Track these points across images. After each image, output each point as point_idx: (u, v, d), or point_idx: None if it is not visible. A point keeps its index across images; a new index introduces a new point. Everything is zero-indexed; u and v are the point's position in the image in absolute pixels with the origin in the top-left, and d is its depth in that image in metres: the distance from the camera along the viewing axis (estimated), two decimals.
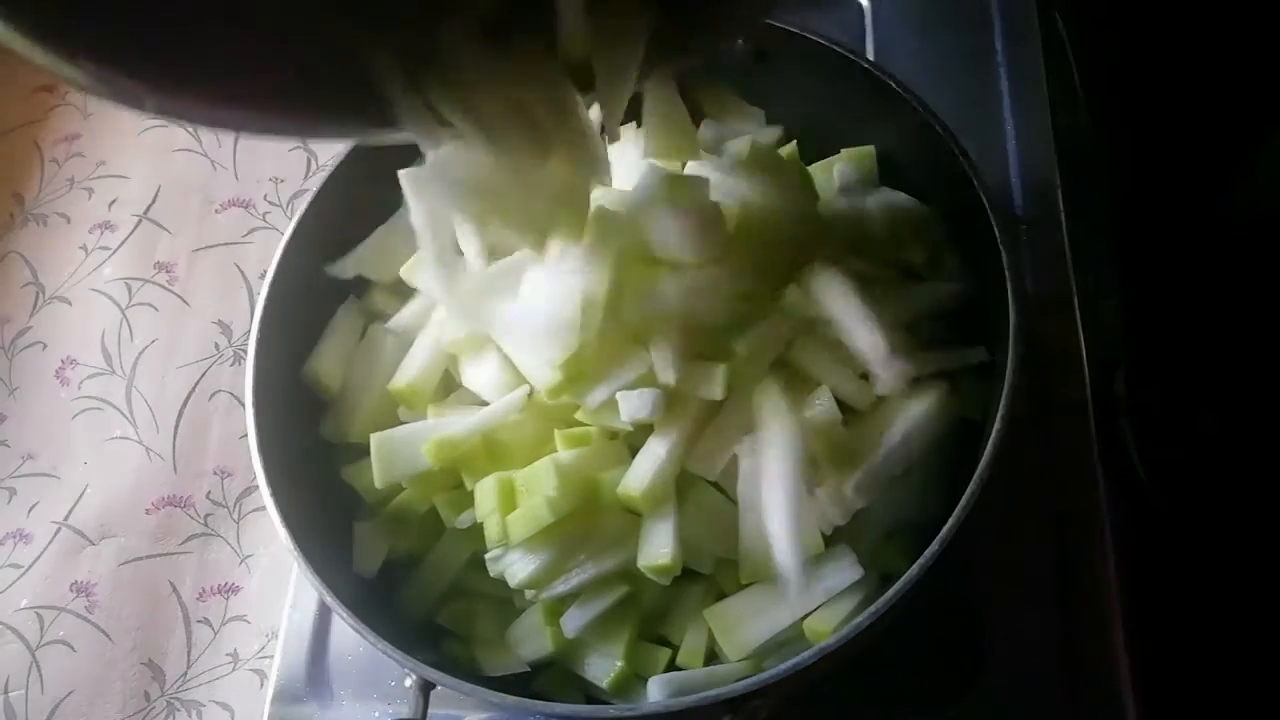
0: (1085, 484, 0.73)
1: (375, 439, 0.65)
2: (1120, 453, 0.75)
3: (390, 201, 0.73)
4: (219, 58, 0.44)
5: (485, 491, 0.62)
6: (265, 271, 0.69)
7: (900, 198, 0.71)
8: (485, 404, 0.66)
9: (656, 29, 0.50)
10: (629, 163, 0.67)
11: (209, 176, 1.05)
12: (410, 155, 0.75)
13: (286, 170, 1.04)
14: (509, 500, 0.61)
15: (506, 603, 0.66)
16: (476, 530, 0.63)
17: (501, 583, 0.62)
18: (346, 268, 0.73)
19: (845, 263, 0.67)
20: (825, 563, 0.60)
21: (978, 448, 0.58)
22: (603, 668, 0.63)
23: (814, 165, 0.74)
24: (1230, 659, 0.76)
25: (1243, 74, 0.90)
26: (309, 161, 1.05)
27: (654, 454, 0.61)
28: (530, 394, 0.64)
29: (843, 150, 0.74)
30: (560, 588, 0.61)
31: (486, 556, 0.63)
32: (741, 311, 0.62)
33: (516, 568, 0.61)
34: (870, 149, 0.74)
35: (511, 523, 0.60)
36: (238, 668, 0.83)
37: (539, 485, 0.60)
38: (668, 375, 0.59)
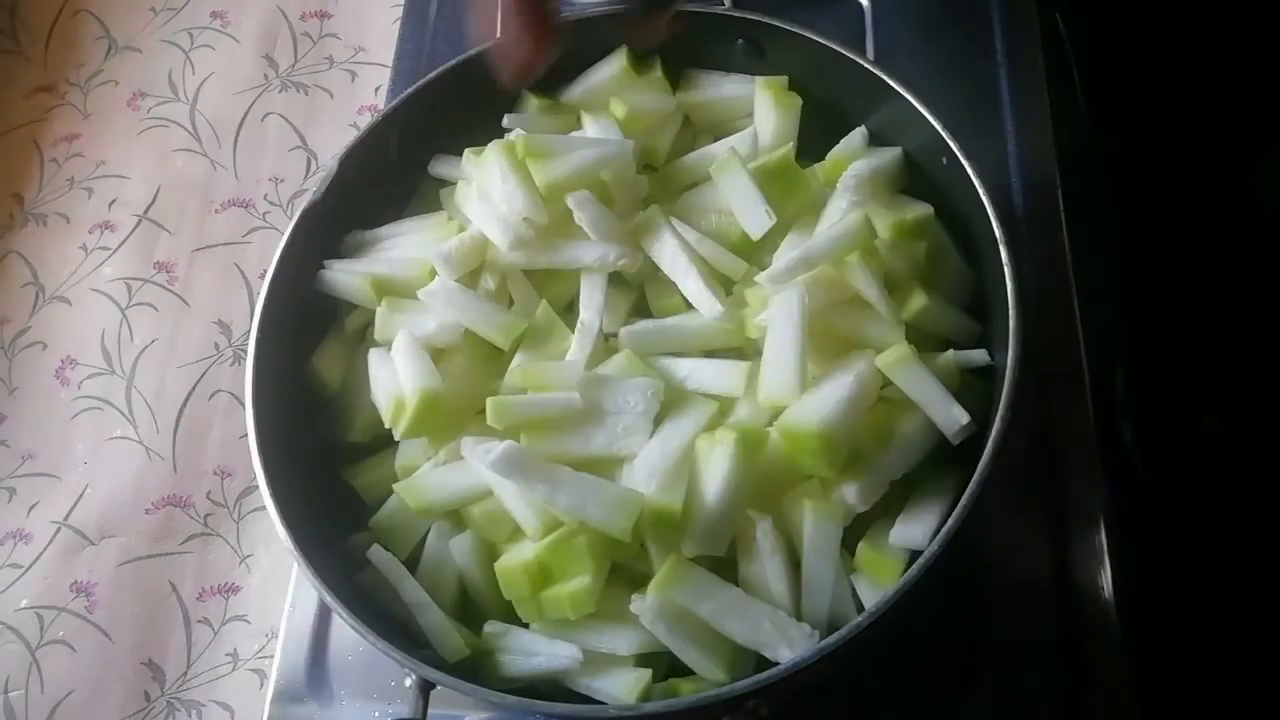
0: (1085, 484, 0.73)
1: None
2: (1120, 453, 0.75)
3: (389, 202, 0.74)
4: None
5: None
6: (265, 271, 0.69)
7: (900, 198, 0.71)
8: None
9: None
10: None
11: (209, 176, 1.05)
12: (412, 163, 0.76)
13: (286, 170, 1.04)
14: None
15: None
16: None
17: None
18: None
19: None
20: None
21: (978, 448, 0.58)
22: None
23: (812, 166, 0.73)
24: (1230, 658, 0.76)
25: (1243, 74, 0.90)
26: (309, 161, 1.05)
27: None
28: None
29: (841, 149, 0.74)
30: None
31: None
32: None
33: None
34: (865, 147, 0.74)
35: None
36: (238, 668, 0.83)
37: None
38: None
